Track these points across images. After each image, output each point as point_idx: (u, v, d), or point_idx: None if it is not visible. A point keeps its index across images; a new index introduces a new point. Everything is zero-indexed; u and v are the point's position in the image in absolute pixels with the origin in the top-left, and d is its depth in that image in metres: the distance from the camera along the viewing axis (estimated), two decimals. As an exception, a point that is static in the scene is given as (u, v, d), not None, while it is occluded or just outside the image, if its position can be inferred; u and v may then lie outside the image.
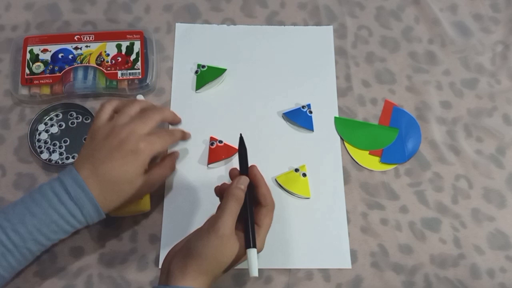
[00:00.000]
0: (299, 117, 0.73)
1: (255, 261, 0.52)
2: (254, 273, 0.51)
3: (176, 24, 0.79)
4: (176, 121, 0.66)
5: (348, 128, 0.74)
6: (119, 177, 0.55)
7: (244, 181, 0.56)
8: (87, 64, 0.73)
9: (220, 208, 0.55)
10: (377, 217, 0.69)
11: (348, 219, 0.68)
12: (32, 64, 0.72)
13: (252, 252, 0.52)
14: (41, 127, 0.71)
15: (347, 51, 0.79)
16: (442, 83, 0.78)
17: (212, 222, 0.52)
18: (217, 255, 0.52)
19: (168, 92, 0.75)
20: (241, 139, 0.60)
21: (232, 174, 0.59)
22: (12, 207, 0.53)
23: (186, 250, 0.53)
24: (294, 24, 0.80)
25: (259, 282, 0.64)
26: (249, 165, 0.58)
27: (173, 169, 0.65)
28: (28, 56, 0.73)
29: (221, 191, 0.58)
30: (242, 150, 0.59)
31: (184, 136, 0.67)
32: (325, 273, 0.65)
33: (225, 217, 0.52)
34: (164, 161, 0.63)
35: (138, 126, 0.57)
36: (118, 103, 0.61)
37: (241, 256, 0.54)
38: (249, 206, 0.55)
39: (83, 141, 0.70)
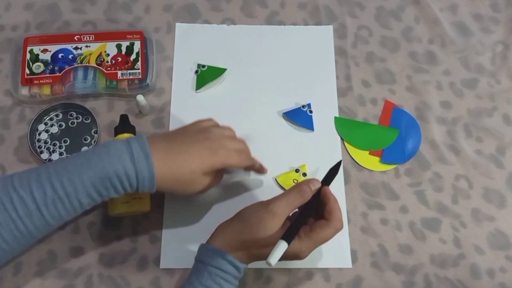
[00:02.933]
0: (299, 117, 0.73)
1: (278, 251, 0.51)
2: (270, 260, 0.51)
3: (176, 24, 0.79)
4: (257, 167, 0.66)
5: (348, 128, 0.74)
6: (186, 163, 0.56)
7: (315, 183, 0.58)
8: (87, 64, 0.73)
9: (281, 193, 0.58)
10: (377, 217, 0.69)
11: (348, 219, 0.68)
12: (32, 64, 0.72)
13: (280, 243, 0.52)
14: (41, 127, 0.71)
15: (347, 51, 0.79)
16: (442, 83, 0.78)
17: (268, 200, 0.57)
18: (259, 225, 0.54)
19: (168, 92, 0.75)
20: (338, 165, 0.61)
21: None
22: (74, 157, 0.54)
23: (233, 217, 0.58)
24: (294, 24, 0.80)
25: (259, 282, 0.64)
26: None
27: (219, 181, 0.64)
28: (28, 56, 0.73)
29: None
30: (334, 171, 0.60)
31: (261, 170, 0.66)
32: (325, 273, 0.65)
33: (280, 198, 0.56)
34: (221, 172, 0.63)
35: (226, 138, 0.60)
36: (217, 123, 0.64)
37: (274, 243, 0.53)
38: (304, 207, 0.56)
39: (83, 141, 0.70)
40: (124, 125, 0.69)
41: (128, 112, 0.72)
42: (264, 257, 0.52)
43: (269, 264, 0.50)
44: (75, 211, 0.53)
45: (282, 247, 0.51)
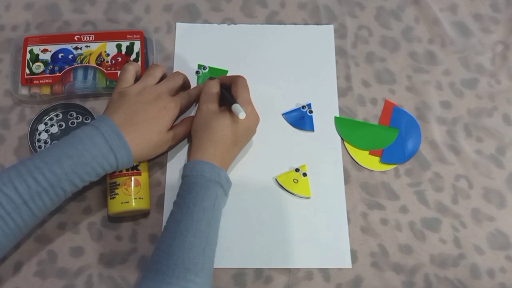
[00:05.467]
0: (300, 119, 0.73)
1: (238, 107, 0.60)
2: (240, 115, 0.60)
3: (177, 23, 0.79)
4: (189, 84, 0.72)
5: (348, 128, 0.74)
6: (151, 127, 0.61)
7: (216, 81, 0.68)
8: (87, 64, 0.73)
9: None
10: (377, 217, 0.69)
11: (348, 219, 0.68)
12: (32, 64, 0.72)
13: (234, 105, 0.61)
14: (41, 127, 0.71)
15: (347, 51, 0.79)
16: (442, 83, 0.78)
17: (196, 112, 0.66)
18: (209, 123, 0.63)
19: (168, 92, 0.75)
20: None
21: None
22: (47, 150, 0.56)
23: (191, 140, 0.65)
24: (294, 24, 0.80)
25: (259, 282, 0.64)
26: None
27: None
28: (28, 56, 0.73)
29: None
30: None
31: (199, 93, 0.71)
32: (325, 273, 0.65)
33: (202, 99, 0.66)
34: (184, 121, 0.69)
35: (166, 88, 0.65)
36: (138, 66, 0.68)
37: (238, 125, 0.63)
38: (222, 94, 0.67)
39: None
40: (124, 125, 0.69)
41: (128, 112, 0.72)
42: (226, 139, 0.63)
43: (242, 116, 0.60)
44: (59, 200, 0.55)
45: (237, 106, 0.61)
